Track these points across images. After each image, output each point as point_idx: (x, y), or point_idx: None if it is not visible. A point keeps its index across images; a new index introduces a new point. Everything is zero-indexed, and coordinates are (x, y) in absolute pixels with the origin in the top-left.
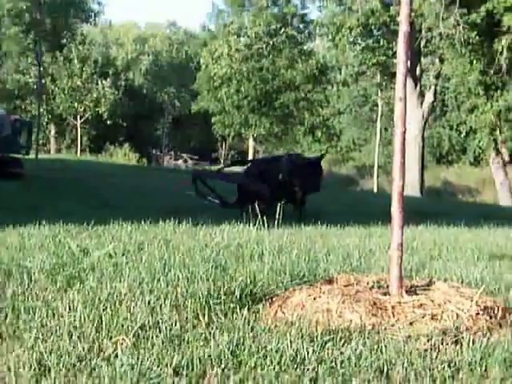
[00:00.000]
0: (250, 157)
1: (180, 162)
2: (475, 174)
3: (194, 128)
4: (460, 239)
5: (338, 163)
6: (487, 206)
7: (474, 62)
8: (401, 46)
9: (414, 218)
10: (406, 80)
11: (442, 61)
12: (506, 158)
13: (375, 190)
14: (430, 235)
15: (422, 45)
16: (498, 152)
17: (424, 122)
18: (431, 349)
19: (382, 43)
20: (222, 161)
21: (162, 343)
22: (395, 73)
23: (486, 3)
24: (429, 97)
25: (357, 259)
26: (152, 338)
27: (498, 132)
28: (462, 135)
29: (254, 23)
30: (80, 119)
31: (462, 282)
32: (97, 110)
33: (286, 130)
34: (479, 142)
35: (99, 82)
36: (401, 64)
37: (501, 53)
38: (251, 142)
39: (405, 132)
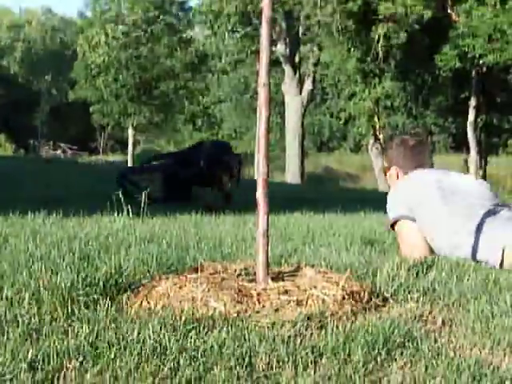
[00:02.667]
0: (130, 146)
1: (58, 151)
2: (356, 160)
3: (72, 117)
4: (335, 225)
5: None
6: (365, 191)
7: (352, 49)
8: (264, 33)
9: (293, 204)
10: (269, 66)
11: (320, 49)
12: (384, 145)
13: (256, 177)
14: (305, 221)
15: (300, 33)
16: (377, 138)
17: (303, 109)
18: (295, 335)
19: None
20: (100, 150)
21: (20, 337)
22: (274, 60)
23: None
24: (308, 84)
25: (228, 247)
26: (8, 332)
27: (376, 119)
28: (342, 122)
29: (131, 10)
30: None
31: (331, 268)
32: None
33: (166, 118)
34: (358, 128)
35: None
36: (264, 50)
37: (377, 41)
38: (131, 132)
39: (269, 117)
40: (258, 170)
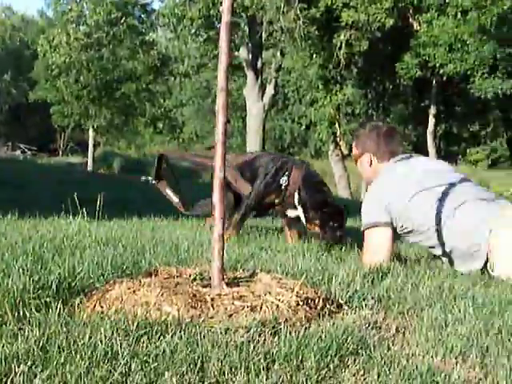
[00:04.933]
0: (90, 148)
1: (18, 152)
2: (316, 166)
3: (32, 118)
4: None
5: None
6: None
7: (314, 56)
8: (223, 37)
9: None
10: (228, 71)
11: (282, 54)
12: (345, 151)
13: None
14: (263, 226)
15: (263, 38)
16: (337, 145)
17: (265, 114)
18: (249, 341)
19: None
20: (60, 152)
21: None
22: (236, 65)
23: None
24: (270, 89)
25: (185, 251)
26: None
27: (336, 125)
28: (303, 128)
29: (93, 11)
30: None
31: (286, 274)
32: None
33: (127, 121)
34: (319, 135)
35: None
36: (223, 55)
37: (339, 48)
38: (91, 133)
39: (226, 122)
40: (215, 174)
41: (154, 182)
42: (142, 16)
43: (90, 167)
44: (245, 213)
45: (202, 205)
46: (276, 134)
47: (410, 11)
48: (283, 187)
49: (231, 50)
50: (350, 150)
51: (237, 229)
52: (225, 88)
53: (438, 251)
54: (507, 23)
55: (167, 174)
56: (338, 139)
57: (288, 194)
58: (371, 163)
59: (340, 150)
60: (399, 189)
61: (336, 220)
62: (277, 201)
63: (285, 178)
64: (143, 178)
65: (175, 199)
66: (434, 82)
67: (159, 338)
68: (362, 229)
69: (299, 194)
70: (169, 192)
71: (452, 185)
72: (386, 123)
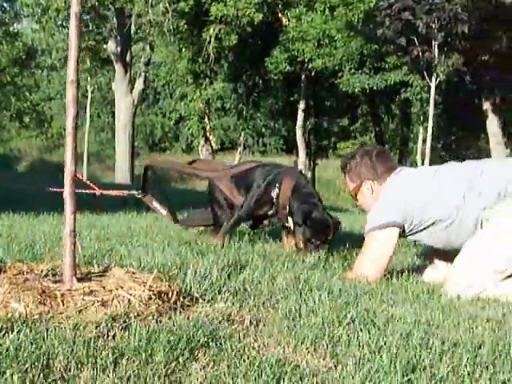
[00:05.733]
0: None
1: None
2: (187, 160)
3: None
4: (156, 225)
5: (49, 150)
6: (195, 192)
7: (184, 50)
8: (72, 28)
9: (117, 204)
10: (77, 63)
11: (152, 48)
12: (214, 146)
13: (85, 177)
14: (127, 221)
15: (132, 31)
16: (207, 140)
17: (134, 108)
18: (98, 336)
19: (91, 27)
20: None
21: None
22: (105, 58)
23: None
24: (139, 83)
25: (42, 247)
26: None
27: (206, 120)
28: (172, 122)
29: None
30: None
31: (143, 268)
32: None
33: None
34: (189, 129)
35: None
36: (72, 47)
37: (209, 42)
38: None
39: (77, 116)
40: (66, 169)
41: (139, 196)
42: (5, 5)
43: None
44: (234, 223)
45: (195, 216)
46: (147, 129)
47: (279, 6)
48: (274, 200)
49: (99, 43)
50: (221, 145)
51: (223, 238)
52: (75, 81)
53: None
54: (373, 20)
55: (153, 184)
56: (208, 134)
57: (281, 206)
58: (373, 190)
59: (210, 144)
60: (415, 186)
61: (318, 237)
62: (270, 212)
63: (276, 190)
64: (130, 192)
65: (164, 212)
66: (304, 76)
67: (4, 335)
68: (366, 232)
69: (289, 206)
70: (156, 205)
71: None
72: (372, 145)
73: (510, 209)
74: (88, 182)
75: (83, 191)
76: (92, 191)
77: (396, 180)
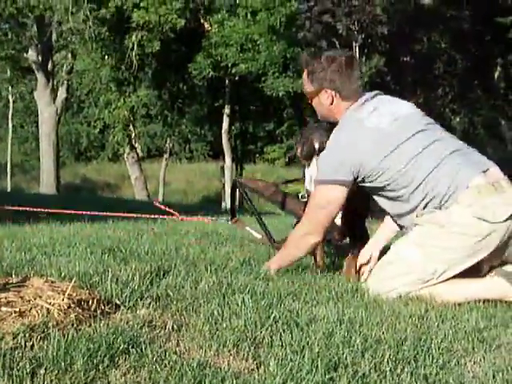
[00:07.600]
0: None
1: None
2: (114, 169)
3: None
4: (79, 234)
5: None
6: (117, 199)
7: (106, 57)
8: None
9: (48, 216)
10: None
11: (74, 56)
12: (140, 154)
13: (9, 189)
14: (49, 231)
15: (53, 39)
16: (133, 147)
17: (58, 118)
18: (16, 347)
19: (10, 36)
20: None
21: None
22: (26, 67)
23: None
24: (62, 92)
25: None
26: None
27: (131, 127)
28: (97, 131)
29: None
30: None
31: (64, 277)
32: None
33: None
34: (114, 137)
35: None
36: None
37: (131, 49)
38: None
39: None
40: None
41: (229, 222)
42: None
43: None
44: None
45: None
46: (72, 138)
47: (202, 12)
48: None
49: (19, 52)
50: (148, 152)
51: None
52: None
53: (411, 202)
54: (295, 24)
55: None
56: (134, 141)
57: None
58: (333, 101)
59: (136, 152)
60: (373, 146)
61: None
62: None
63: None
64: (222, 219)
65: (258, 236)
66: (228, 81)
67: None
68: (314, 182)
69: None
70: (249, 230)
71: (427, 132)
72: (339, 51)
73: (443, 215)
74: (166, 208)
75: (164, 217)
76: (172, 216)
77: (355, 132)
